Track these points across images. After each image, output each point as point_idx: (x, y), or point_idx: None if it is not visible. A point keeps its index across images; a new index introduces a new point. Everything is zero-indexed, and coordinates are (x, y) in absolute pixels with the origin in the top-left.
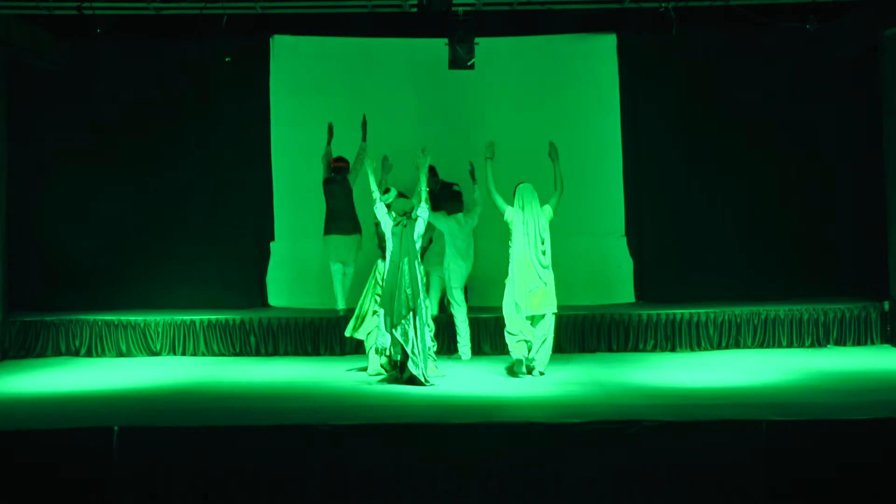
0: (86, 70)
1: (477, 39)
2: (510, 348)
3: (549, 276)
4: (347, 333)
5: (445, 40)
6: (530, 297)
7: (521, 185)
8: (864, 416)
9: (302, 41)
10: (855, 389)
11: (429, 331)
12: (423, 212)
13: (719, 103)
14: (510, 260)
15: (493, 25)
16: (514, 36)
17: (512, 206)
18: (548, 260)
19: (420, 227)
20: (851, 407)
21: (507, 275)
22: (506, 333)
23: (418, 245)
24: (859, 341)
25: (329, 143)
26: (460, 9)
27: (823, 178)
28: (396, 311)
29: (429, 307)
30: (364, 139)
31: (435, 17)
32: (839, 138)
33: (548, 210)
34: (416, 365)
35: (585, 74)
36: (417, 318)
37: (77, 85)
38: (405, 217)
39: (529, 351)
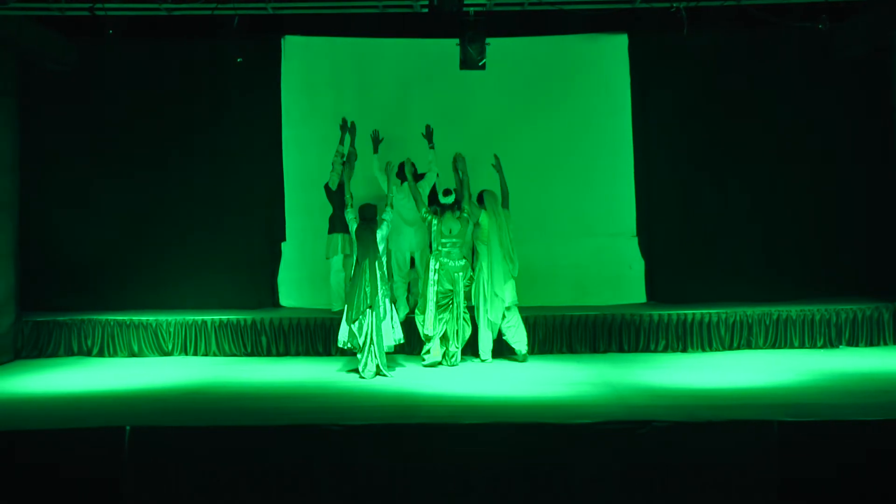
0: (97, 71)
1: (488, 40)
2: (480, 340)
3: (516, 270)
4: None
5: (456, 41)
6: (503, 290)
7: (486, 192)
8: (876, 418)
9: (313, 41)
10: (868, 390)
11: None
12: (387, 215)
13: (730, 103)
14: (483, 257)
15: (504, 26)
16: (526, 36)
17: (485, 210)
18: (516, 257)
19: (384, 231)
20: (864, 408)
21: (475, 272)
22: (479, 326)
23: (381, 247)
24: (872, 342)
25: (341, 141)
26: (471, 9)
27: (835, 178)
28: (356, 306)
29: (389, 306)
30: (341, 143)
31: (446, 17)
32: (851, 138)
33: (507, 213)
34: (372, 357)
35: (596, 74)
36: (374, 314)
37: (88, 86)
38: (367, 221)
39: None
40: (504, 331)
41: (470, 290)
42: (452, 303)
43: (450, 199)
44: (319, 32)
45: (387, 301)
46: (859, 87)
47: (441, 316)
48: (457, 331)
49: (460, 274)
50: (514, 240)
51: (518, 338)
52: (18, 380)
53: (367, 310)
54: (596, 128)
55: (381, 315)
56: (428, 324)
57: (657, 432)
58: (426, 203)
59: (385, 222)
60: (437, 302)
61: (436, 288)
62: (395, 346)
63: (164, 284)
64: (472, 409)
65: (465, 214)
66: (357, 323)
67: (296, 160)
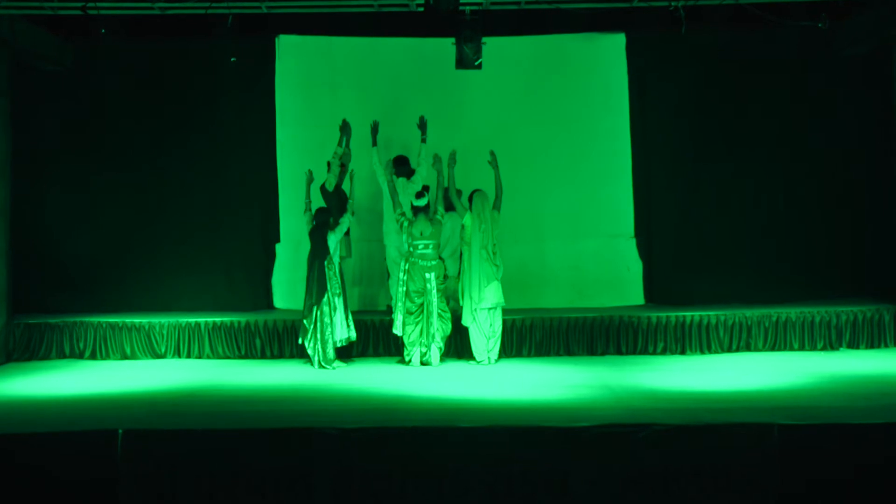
0: (90, 71)
1: (484, 39)
2: (472, 342)
3: (500, 272)
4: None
5: (452, 40)
6: (484, 291)
7: (477, 193)
8: (877, 421)
9: (308, 41)
10: (868, 393)
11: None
12: (344, 219)
13: (729, 103)
14: (465, 259)
15: (500, 25)
16: (522, 35)
17: (470, 211)
18: (500, 260)
19: (337, 235)
20: (864, 411)
21: (458, 273)
22: (469, 329)
23: (332, 248)
24: (872, 344)
25: (340, 143)
26: (467, 8)
27: (836, 178)
28: (307, 305)
29: (340, 304)
30: (340, 144)
31: (442, 16)
32: (853, 138)
33: (496, 214)
34: (314, 351)
35: (594, 74)
36: (319, 311)
37: (81, 86)
38: (319, 225)
39: (487, 341)
40: (485, 332)
41: (445, 289)
42: (425, 301)
43: (423, 202)
44: (314, 32)
45: (337, 299)
46: (861, 86)
47: (417, 318)
48: (430, 330)
49: (432, 273)
50: (499, 243)
51: (490, 344)
52: (10, 383)
53: (313, 307)
54: (593, 128)
55: (328, 312)
56: (396, 324)
57: (656, 436)
58: (401, 203)
59: (339, 227)
60: (406, 302)
61: (404, 288)
62: (347, 342)
63: (158, 286)
64: (470, 412)
65: (439, 216)
66: (307, 320)
67: (290, 161)
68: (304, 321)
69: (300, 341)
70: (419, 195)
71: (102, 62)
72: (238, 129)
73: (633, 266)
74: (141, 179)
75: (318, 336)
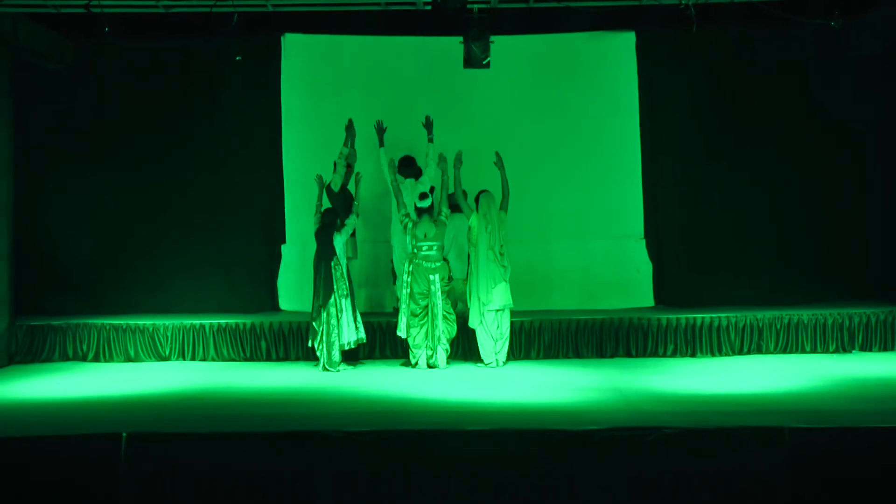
0: (93, 70)
1: (492, 38)
2: (480, 344)
3: (507, 274)
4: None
5: (460, 39)
6: (491, 293)
7: (483, 194)
8: (889, 424)
9: (313, 39)
10: (881, 396)
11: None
12: (349, 221)
13: (740, 103)
14: (472, 260)
15: (508, 23)
16: (531, 34)
17: (477, 212)
18: (507, 261)
19: (343, 237)
20: (877, 414)
21: (466, 275)
22: (476, 331)
23: (339, 250)
24: (886, 347)
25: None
26: (475, 6)
27: (848, 179)
28: (315, 307)
29: (347, 306)
30: (345, 144)
31: (449, 14)
32: (867, 137)
33: (503, 215)
34: (321, 353)
35: (603, 73)
36: (326, 313)
37: (84, 85)
38: (325, 225)
39: (495, 343)
40: (493, 334)
41: (451, 290)
42: (429, 303)
43: (426, 203)
44: (320, 30)
45: (343, 301)
46: (876, 85)
47: (422, 321)
48: (435, 332)
49: (436, 275)
50: (507, 244)
51: (499, 346)
52: (12, 385)
53: (320, 309)
54: (603, 127)
55: (334, 314)
56: (401, 326)
57: (666, 439)
58: (405, 204)
59: (346, 228)
60: (410, 304)
61: (408, 290)
62: (356, 344)
63: (162, 288)
64: (477, 415)
65: (443, 217)
66: (315, 322)
67: (296, 161)
68: (314, 323)
69: (310, 344)
70: (423, 196)
71: (105, 61)
72: (242, 129)
73: (642, 268)
74: (144, 179)
75: (325, 338)
